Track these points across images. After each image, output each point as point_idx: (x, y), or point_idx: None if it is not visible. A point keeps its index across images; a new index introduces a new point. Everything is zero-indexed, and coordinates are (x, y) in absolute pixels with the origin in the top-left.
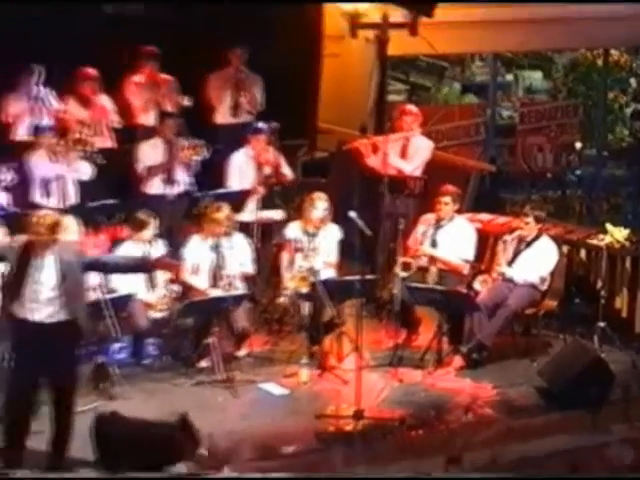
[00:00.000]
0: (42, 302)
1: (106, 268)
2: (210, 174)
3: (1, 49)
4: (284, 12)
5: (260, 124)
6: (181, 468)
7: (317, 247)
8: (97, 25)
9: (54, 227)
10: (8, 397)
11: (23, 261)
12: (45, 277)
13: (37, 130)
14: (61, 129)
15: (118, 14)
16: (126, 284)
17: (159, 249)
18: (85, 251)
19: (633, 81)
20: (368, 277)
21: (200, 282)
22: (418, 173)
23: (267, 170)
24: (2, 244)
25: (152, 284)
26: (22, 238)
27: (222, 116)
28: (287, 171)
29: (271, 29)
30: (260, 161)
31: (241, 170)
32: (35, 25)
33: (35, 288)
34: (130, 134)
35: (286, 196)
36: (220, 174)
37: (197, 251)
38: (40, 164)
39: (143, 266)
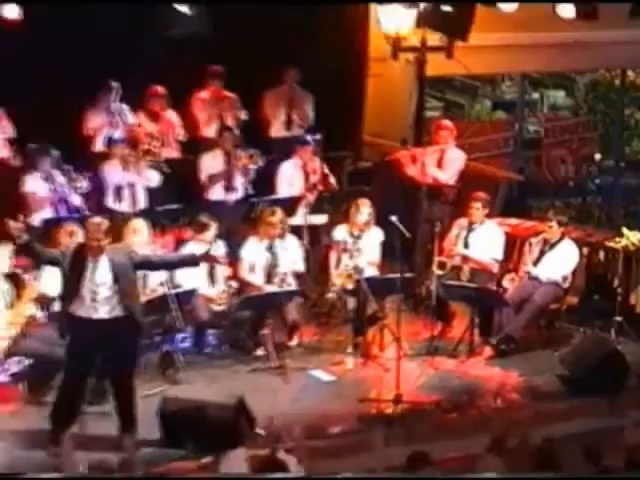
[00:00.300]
0: (100, 301)
1: (154, 265)
2: (265, 182)
3: (83, 68)
4: (334, 36)
5: (307, 137)
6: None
7: (361, 248)
8: (166, 47)
9: (107, 232)
10: (65, 388)
11: (78, 264)
12: (101, 277)
13: (111, 142)
14: (132, 141)
15: (185, 37)
16: (190, 280)
17: (219, 249)
18: (135, 252)
19: None
20: (407, 275)
21: (256, 279)
22: (452, 182)
23: (313, 178)
24: (54, 250)
25: (213, 280)
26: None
27: (276, 130)
28: (331, 179)
29: (322, 51)
30: (307, 170)
31: (290, 178)
32: (112, 46)
33: (93, 288)
34: (194, 145)
35: (334, 202)
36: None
37: (253, 251)
38: (113, 172)
39: (187, 261)
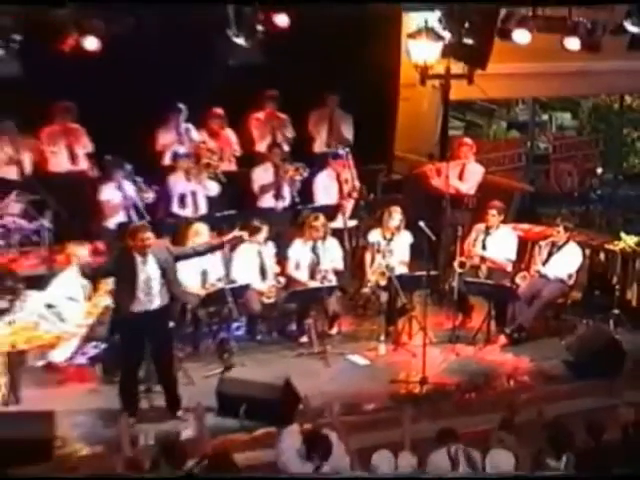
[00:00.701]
0: (154, 294)
1: (189, 255)
2: (309, 191)
3: (155, 92)
4: (370, 65)
5: (339, 151)
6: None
7: (393, 249)
8: (225, 74)
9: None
10: (127, 374)
11: (128, 264)
12: (152, 272)
13: (176, 156)
14: (196, 156)
15: (241, 66)
16: (244, 276)
17: (269, 250)
18: (170, 245)
19: None
20: (432, 273)
21: (301, 275)
22: (472, 192)
23: (346, 187)
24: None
25: (264, 276)
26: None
27: (318, 146)
28: (361, 188)
29: (360, 79)
30: (340, 180)
31: (325, 187)
32: (180, 73)
33: (148, 283)
34: (247, 159)
35: (369, 209)
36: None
37: (299, 251)
38: (178, 183)
39: (215, 247)
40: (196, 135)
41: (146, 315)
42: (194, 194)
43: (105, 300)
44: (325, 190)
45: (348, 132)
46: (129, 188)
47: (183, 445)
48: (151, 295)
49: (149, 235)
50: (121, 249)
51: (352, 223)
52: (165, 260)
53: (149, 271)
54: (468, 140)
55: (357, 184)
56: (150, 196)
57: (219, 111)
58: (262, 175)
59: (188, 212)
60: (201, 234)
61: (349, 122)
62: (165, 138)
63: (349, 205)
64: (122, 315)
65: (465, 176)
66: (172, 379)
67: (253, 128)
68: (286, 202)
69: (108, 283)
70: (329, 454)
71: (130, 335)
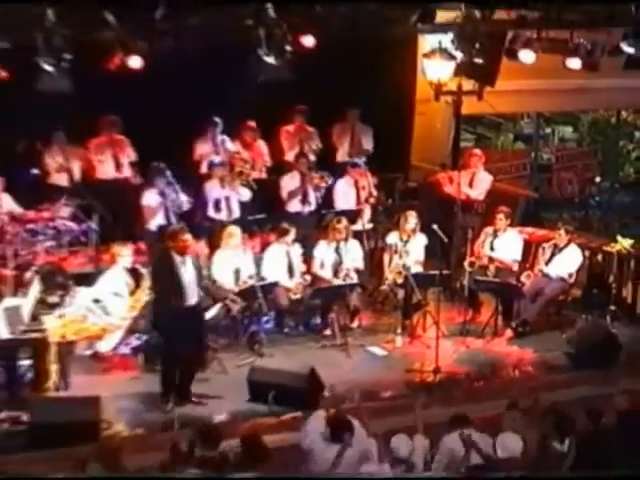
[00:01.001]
0: (192, 289)
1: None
2: (330, 197)
3: (193, 107)
4: (389, 83)
5: (357, 160)
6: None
7: (409, 250)
8: (257, 90)
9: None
10: (168, 363)
11: (169, 265)
12: (189, 272)
13: (212, 165)
14: (229, 165)
15: (272, 82)
16: (273, 274)
17: (296, 250)
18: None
19: (637, 134)
20: (445, 272)
21: (325, 274)
22: (481, 198)
23: (363, 193)
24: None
25: (291, 274)
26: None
27: (341, 156)
28: (377, 194)
29: (380, 95)
30: (358, 187)
31: (344, 193)
32: (216, 89)
33: (190, 280)
34: (277, 168)
35: (387, 213)
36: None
37: (323, 251)
38: (214, 189)
39: None
40: (231, 146)
41: (185, 310)
42: (228, 199)
43: (146, 295)
44: (344, 196)
45: (368, 143)
46: (169, 194)
47: (217, 428)
48: (188, 292)
49: (188, 237)
50: (161, 250)
51: (369, 226)
52: (195, 259)
53: (187, 270)
54: (478, 151)
55: (374, 191)
56: (185, 200)
57: (252, 124)
58: (290, 182)
59: (222, 216)
60: (234, 236)
61: (369, 134)
62: (202, 148)
63: (367, 209)
64: (164, 310)
65: (475, 183)
66: (193, 372)
67: (283, 140)
68: (312, 207)
69: (149, 280)
70: (352, 437)
71: (172, 328)
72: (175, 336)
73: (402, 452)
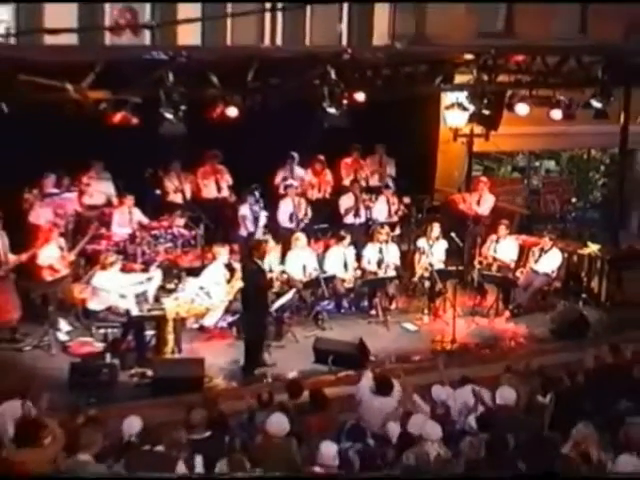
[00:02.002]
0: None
1: None
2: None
3: (275, 143)
4: (420, 128)
5: (388, 182)
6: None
7: (433, 252)
8: (324, 132)
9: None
10: (256, 334)
11: (253, 265)
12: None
13: (287, 187)
14: (301, 187)
15: (334, 127)
16: (332, 268)
17: (350, 251)
18: None
19: (602, 167)
20: (460, 268)
21: (371, 268)
22: (486, 213)
23: (393, 208)
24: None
25: (346, 269)
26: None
27: (373, 181)
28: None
29: (413, 137)
30: (389, 203)
31: (380, 209)
32: (293, 131)
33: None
34: (337, 190)
35: (418, 224)
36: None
37: (370, 252)
38: (287, 206)
39: None
40: (302, 173)
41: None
42: (297, 214)
43: (238, 284)
44: (380, 211)
45: (392, 170)
46: (256, 209)
47: (296, 382)
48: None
49: (265, 247)
50: (248, 257)
51: (397, 232)
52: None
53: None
54: (484, 178)
55: (401, 207)
56: (266, 215)
57: (320, 157)
58: (346, 201)
59: (293, 225)
60: (301, 240)
61: (393, 165)
62: (281, 175)
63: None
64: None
65: (481, 203)
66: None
67: (342, 169)
68: (362, 219)
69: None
70: (391, 390)
71: (259, 309)
72: (262, 314)
73: (442, 397)
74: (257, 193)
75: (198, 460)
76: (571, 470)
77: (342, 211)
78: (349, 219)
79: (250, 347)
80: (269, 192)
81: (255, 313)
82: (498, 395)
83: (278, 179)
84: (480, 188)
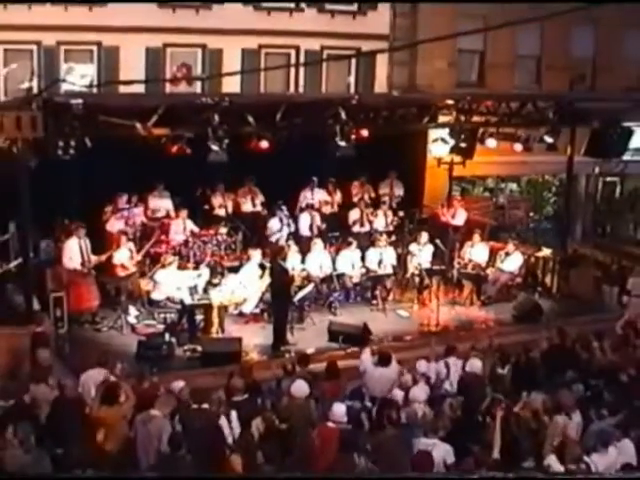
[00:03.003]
0: None
1: None
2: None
3: (296, 169)
4: (412, 156)
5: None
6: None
7: (422, 254)
8: (335, 160)
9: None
10: (283, 318)
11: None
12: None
13: (306, 204)
14: (318, 204)
15: (344, 156)
16: (343, 267)
17: (356, 254)
18: None
19: (553, 188)
20: (442, 267)
21: (373, 267)
22: (461, 224)
23: (390, 220)
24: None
25: (353, 267)
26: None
27: (387, 198)
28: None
29: (407, 164)
30: (387, 216)
31: (380, 221)
32: (310, 159)
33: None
34: (347, 206)
35: (410, 232)
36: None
37: (372, 254)
38: (306, 218)
39: None
40: (319, 193)
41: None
42: (314, 224)
43: (268, 280)
44: (379, 222)
45: (400, 191)
46: (284, 221)
47: (309, 356)
48: None
49: (287, 251)
50: (274, 259)
51: (393, 239)
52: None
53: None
54: (458, 198)
55: (396, 218)
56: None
57: (333, 180)
58: (353, 215)
59: (311, 234)
60: (318, 245)
61: (401, 186)
62: (303, 195)
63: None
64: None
65: (456, 216)
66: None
67: (352, 190)
68: (366, 229)
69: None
70: (390, 362)
71: (284, 299)
72: (287, 304)
73: (422, 369)
74: (284, 208)
75: (233, 415)
76: (524, 424)
77: (350, 222)
78: (356, 228)
79: (277, 329)
80: (293, 208)
81: (281, 303)
82: (468, 365)
83: (300, 198)
84: (454, 205)
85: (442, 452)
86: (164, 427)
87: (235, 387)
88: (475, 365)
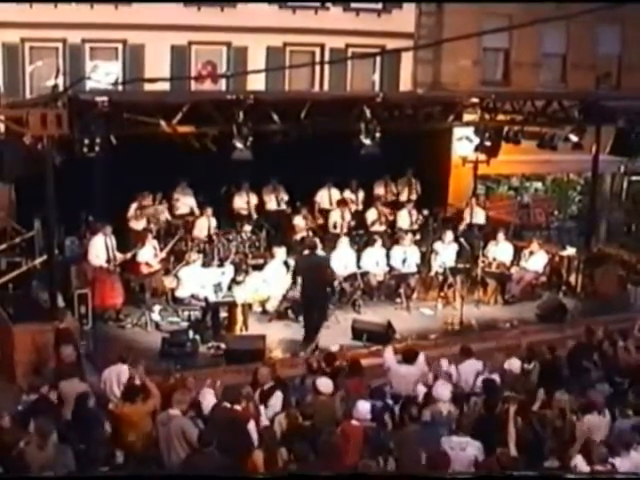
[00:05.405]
0: None
1: None
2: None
3: (318, 169)
4: (437, 155)
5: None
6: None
7: (447, 253)
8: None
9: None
10: (310, 316)
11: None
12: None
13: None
14: (341, 202)
15: (369, 154)
16: (367, 265)
17: (381, 252)
18: None
19: (578, 187)
20: (467, 266)
21: (397, 266)
22: (482, 222)
23: (413, 218)
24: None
25: (377, 265)
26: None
27: (405, 197)
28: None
29: (432, 163)
30: (411, 215)
31: (403, 219)
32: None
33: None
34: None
35: (435, 231)
36: None
37: (396, 253)
38: (333, 216)
39: None
40: (336, 193)
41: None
42: (338, 222)
43: (293, 277)
44: (403, 220)
45: (418, 188)
46: (308, 218)
47: (334, 354)
48: None
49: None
50: (301, 253)
51: (417, 237)
52: None
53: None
54: (483, 195)
55: (420, 217)
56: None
57: (355, 180)
58: (371, 215)
59: (337, 231)
60: (343, 242)
61: (419, 185)
62: (320, 193)
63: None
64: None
65: (473, 215)
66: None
67: (374, 187)
68: (384, 227)
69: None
70: (415, 360)
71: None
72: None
73: (444, 368)
74: (304, 207)
75: (262, 410)
76: (549, 423)
77: (368, 222)
78: (375, 227)
79: (311, 328)
80: (315, 206)
81: (321, 299)
82: (507, 364)
83: (318, 195)
84: (471, 204)
85: (475, 450)
86: (184, 426)
87: (262, 379)
88: (514, 364)
